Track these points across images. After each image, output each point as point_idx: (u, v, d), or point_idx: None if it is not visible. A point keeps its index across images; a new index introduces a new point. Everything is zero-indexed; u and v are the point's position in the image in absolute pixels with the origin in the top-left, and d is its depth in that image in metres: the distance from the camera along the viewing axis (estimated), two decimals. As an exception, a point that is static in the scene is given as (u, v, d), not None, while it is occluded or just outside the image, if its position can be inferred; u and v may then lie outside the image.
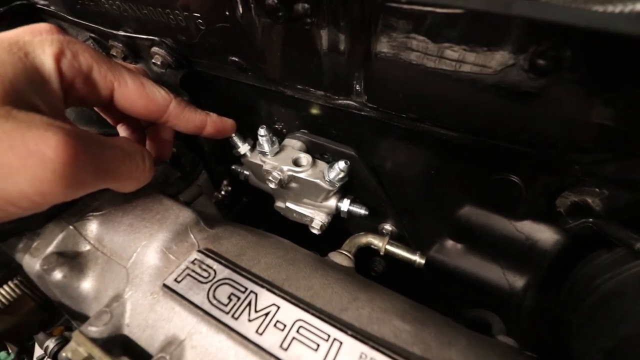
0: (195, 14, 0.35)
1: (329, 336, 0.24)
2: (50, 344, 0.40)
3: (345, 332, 0.24)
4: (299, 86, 0.37)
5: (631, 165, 0.32)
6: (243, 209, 0.68)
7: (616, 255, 0.37)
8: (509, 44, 0.24)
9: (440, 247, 0.52)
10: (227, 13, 0.33)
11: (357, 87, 0.33)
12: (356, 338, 0.24)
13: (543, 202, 0.41)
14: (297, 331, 0.24)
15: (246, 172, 0.50)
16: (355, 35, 0.29)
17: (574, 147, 0.31)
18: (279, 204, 0.45)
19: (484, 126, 0.31)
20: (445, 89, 0.29)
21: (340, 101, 0.36)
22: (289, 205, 0.45)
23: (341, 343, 0.24)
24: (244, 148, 0.43)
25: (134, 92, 0.31)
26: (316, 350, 0.23)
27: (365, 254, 0.48)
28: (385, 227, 0.48)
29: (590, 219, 0.37)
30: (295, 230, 0.47)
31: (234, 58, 0.38)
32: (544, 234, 0.45)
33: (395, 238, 0.48)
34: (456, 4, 0.23)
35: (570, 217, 0.39)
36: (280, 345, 0.24)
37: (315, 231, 0.43)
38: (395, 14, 0.25)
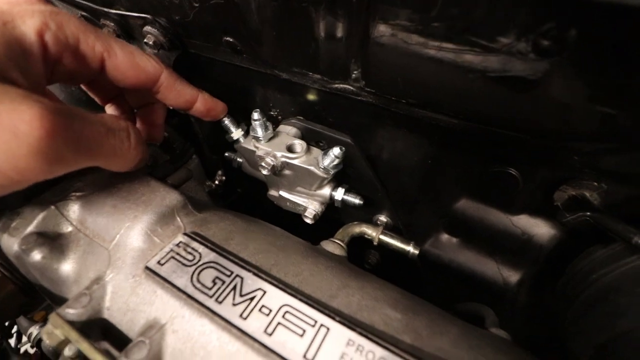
0: (189, -10, 0.34)
1: (315, 322, 0.23)
2: (34, 330, 0.39)
3: (333, 318, 0.23)
4: (294, 69, 0.36)
5: (631, 159, 0.31)
6: (237, 199, 0.67)
7: (612, 251, 0.37)
8: (511, 24, 0.23)
9: (436, 241, 0.52)
10: (222, -11, 0.32)
11: (355, 72, 0.32)
12: (344, 324, 0.23)
13: (540, 196, 0.40)
14: (283, 316, 0.23)
15: (239, 160, 0.49)
16: (353, 18, 0.28)
17: (574, 135, 0.30)
18: (273, 192, 0.44)
19: (483, 112, 0.30)
20: (444, 73, 0.28)
21: (337, 85, 0.35)
22: (282, 193, 0.44)
23: (328, 329, 0.23)
24: (237, 133, 0.42)
25: (124, 62, 0.30)
26: (302, 335, 0.22)
27: (360, 246, 0.47)
28: (380, 218, 0.47)
29: (588, 213, 0.37)
30: (290, 222, 0.46)
31: (228, 39, 0.37)
32: (540, 229, 0.44)
33: (389, 230, 0.47)
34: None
35: (568, 211, 0.39)
36: (265, 330, 0.23)
37: (308, 220, 0.42)
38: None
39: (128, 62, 0.30)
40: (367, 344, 0.22)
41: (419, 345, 0.24)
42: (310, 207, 0.42)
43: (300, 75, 0.36)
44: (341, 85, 0.35)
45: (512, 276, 0.49)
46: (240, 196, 0.68)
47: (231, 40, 0.37)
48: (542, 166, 0.38)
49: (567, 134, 0.30)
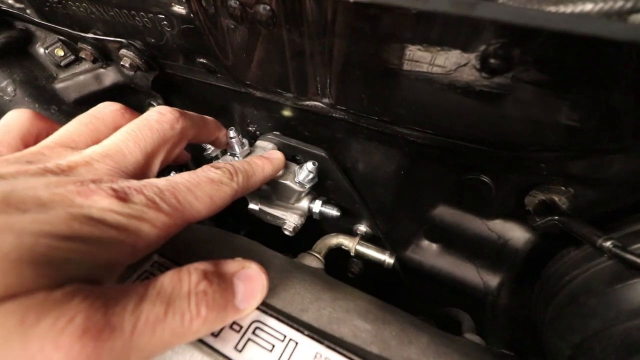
0: (160, 16, 0.35)
1: (285, 336, 0.24)
2: None
3: (302, 332, 0.24)
4: (267, 88, 0.37)
5: (595, 164, 0.33)
6: (223, 214, 0.67)
7: (584, 252, 0.38)
8: (460, 44, 0.24)
9: (416, 248, 0.53)
10: (191, 15, 0.33)
11: (323, 89, 0.34)
12: (312, 338, 0.24)
13: (513, 201, 0.41)
14: (253, 332, 0.24)
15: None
16: (315, 37, 0.29)
17: (536, 146, 0.32)
18: (252, 206, 0.45)
19: (446, 127, 0.31)
20: (405, 89, 0.29)
21: (308, 102, 0.36)
22: (262, 207, 0.44)
23: (297, 343, 0.23)
24: (215, 150, 0.43)
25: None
26: (271, 351, 0.23)
27: (343, 255, 0.48)
28: (360, 228, 0.48)
29: (556, 217, 0.38)
30: (277, 233, 0.46)
31: (202, 60, 0.38)
32: (515, 233, 0.46)
33: (370, 239, 0.48)
34: (407, 4, 0.23)
35: (538, 216, 0.40)
36: (235, 347, 0.23)
37: (288, 233, 0.43)
38: (351, 14, 0.26)
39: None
40: (334, 357, 0.23)
41: (387, 355, 0.24)
42: (290, 220, 0.42)
43: (273, 94, 0.37)
44: (312, 103, 0.36)
45: (492, 280, 0.50)
46: (227, 210, 0.68)
47: (204, 61, 0.38)
48: (512, 173, 0.39)
49: (528, 145, 0.31)
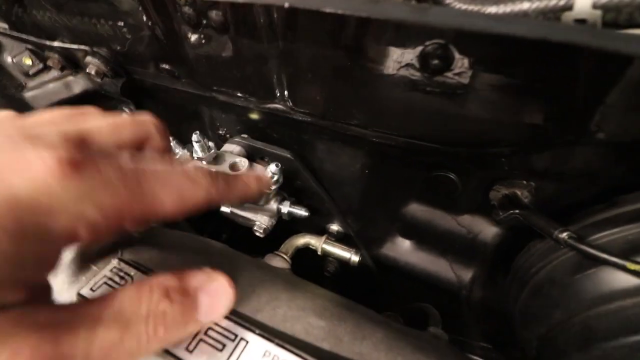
0: (119, 23, 0.35)
1: (236, 336, 0.24)
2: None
3: (253, 332, 0.24)
4: (229, 91, 0.38)
5: (553, 157, 0.33)
6: (199, 219, 0.67)
7: (547, 245, 0.39)
8: (399, 44, 0.24)
9: (391, 245, 0.53)
10: (149, 23, 0.34)
11: (281, 93, 0.34)
12: (263, 336, 0.24)
13: (479, 196, 0.42)
14: (205, 333, 0.24)
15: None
16: (267, 42, 0.30)
17: (489, 143, 0.32)
18: (224, 209, 0.46)
19: (399, 126, 0.32)
20: (353, 90, 0.29)
21: (269, 105, 0.37)
22: (233, 210, 0.45)
23: (247, 342, 0.24)
24: (183, 154, 0.43)
25: None
26: (221, 350, 0.24)
27: (319, 255, 0.48)
28: (331, 227, 0.49)
29: (517, 210, 0.39)
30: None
31: (165, 66, 0.39)
32: (483, 227, 0.46)
33: (342, 238, 0.48)
34: (341, 8, 0.23)
35: (502, 210, 0.41)
36: (187, 348, 0.24)
37: (259, 234, 0.43)
38: (290, 19, 0.26)
39: None
40: (283, 354, 0.23)
41: (337, 350, 0.25)
42: (260, 221, 0.43)
43: (236, 97, 0.38)
44: (273, 105, 0.36)
45: (465, 274, 0.51)
46: (202, 215, 0.68)
47: (168, 67, 0.38)
48: (475, 169, 0.40)
49: (483, 142, 0.32)
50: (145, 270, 0.29)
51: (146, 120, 0.24)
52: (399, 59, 0.25)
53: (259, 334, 0.24)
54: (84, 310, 0.17)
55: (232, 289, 0.23)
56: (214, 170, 0.24)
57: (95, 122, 0.21)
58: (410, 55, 0.25)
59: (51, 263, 0.17)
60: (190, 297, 0.21)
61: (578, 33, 0.18)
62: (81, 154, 0.17)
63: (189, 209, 0.22)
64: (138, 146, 0.23)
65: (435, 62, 0.25)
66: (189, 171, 0.22)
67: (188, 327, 0.21)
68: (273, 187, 0.39)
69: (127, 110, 0.51)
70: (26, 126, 0.18)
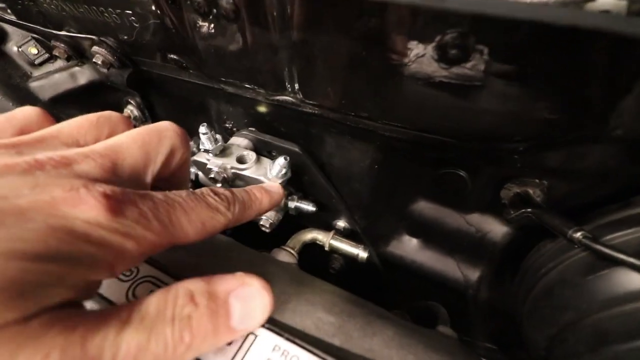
0: (128, 12, 0.35)
1: (245, 330, 0.24)
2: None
3: (262, 326, 0.24)
4: (237, 83, 0.37)
5: (567, 155, 0.33)
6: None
7: (559, 245, 0.38)
8: (417, 34, 0.24)
9: (398, 243, 0.53)
10: (159, 11, 0.33)
11: (291, 84, 0.33)
12: (272, 331, 0.23)
13: (489, 194, 0.41)
14: (213, 326, 0.24)
15: (196, 172, 0.50)
16: (279, 31, 0.29)
17: (504, 138, 0.32)
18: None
19: (413, 119, 0.31)
20: (367, 82, 0.29)
21: (278, 97, 0.36)
22: (239, 204, 0.44)
23: (256, 336, 0.23)
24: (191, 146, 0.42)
25: None
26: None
27: (325, 251, 0.47)
28: (338, 223, 0.48)
29: (529, 209, 0.38)
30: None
31: (172, 56, 0.38)
32: (493, 226, 0.46)
33: (348, 234, 0.48)
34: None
35: (513, 208, 0.40)
36: (194, 341, 0.23)
37: (265, 229, 0.43)
38: (306, 7, 0.25)
39: None
40: (293, 349, 0.23)
41: (348, 347, 0.24)
42: (267, 216, 0.42)
43: (245, 89, 0.37)
44: (282, 97, 0.36)
45: (472, 274, 0.50)
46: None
47: (176, 57, 0.38)
48: (486, 166, 0.39)
49: (498, 136, 0.31)
50: (150, 260, 0.29)
51: (170, 133, 0.25)
52: (416, 49, 0.24)
53: (267, 328, 0.24)
54: (113, 314, 0.18)
55: (269, 293, 0.22)
56: (230, 192, 0.26)
57: (125, 144, 0.22)
58: (428, 44, 0.24)
59: (90, 294, 0.19)
60: (218, 301, 0.20)
61: (610, 20, 0.17)
62: (122, 191, 0.19)
63: (209, 234, 0.23)
64: (165, 162, 0.25)
65: (454, 52, 0.24)
66: (211, 202, 0.24)
67: (219, 335, 0.20)
68: (280, 181, 0.38)
69: (132, 102, 0.51)
70: (70, 158, 0.20)
